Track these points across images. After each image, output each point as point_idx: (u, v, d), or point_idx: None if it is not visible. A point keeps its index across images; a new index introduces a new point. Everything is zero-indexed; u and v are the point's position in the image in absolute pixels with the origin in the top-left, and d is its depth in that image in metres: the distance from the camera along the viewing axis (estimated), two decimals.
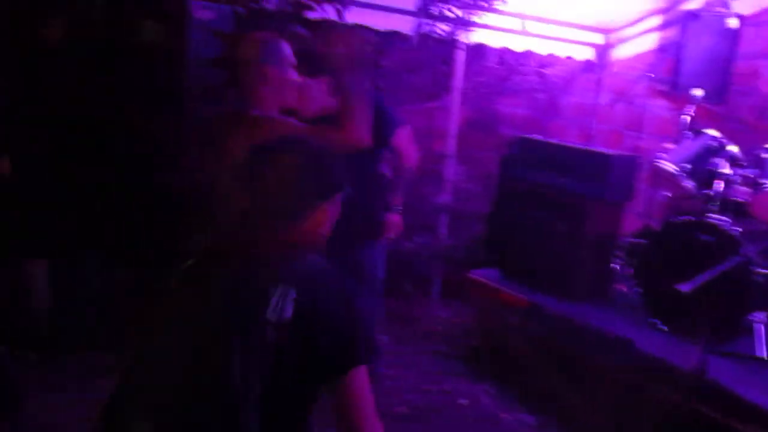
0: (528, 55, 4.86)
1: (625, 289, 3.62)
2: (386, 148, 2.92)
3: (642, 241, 3.66)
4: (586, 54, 5.12)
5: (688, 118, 3.60)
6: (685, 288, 2.42)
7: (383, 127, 2.75)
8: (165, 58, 2.58)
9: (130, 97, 2.70)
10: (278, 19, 3.05)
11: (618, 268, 3.79)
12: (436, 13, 3.92)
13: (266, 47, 2.17)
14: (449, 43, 4.18)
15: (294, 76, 2.26)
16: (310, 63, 2.66)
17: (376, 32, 3.82)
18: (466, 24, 4.04)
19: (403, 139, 2.95)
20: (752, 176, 3.09)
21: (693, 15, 4.23)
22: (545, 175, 3.52)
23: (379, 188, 2.96)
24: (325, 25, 3.39)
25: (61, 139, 2.75)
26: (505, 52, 4.73)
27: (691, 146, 3.30)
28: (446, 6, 3.92)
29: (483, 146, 5.23)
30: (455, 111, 4.48)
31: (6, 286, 2.93)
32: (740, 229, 2.97)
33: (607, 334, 3.14)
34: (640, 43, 5.03)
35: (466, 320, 4.30)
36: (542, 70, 5.03)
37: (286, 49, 2.24)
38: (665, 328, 3.15)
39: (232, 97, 2.69)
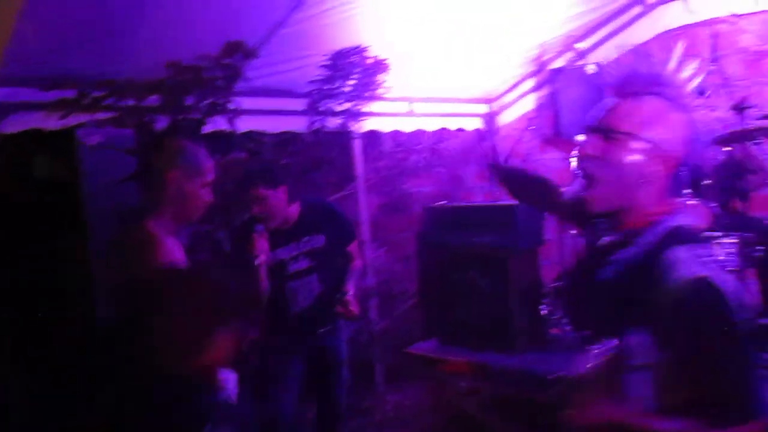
0: (420, 133, 5.11)
1: (558, 332, 3.70)
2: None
3: (562, 282, 3.80)
4: (475, 124, 5.44)
5: (576, 161, 3.85)
6: None
7: (347, 233, 3.33)
8: (61, 189, 2.57)
9: (33, 234, 2.64)
10: (171, 136, 3.11)
11: (547, 313, 3.89)
12: (325, 109, 4.09)
13: (183, 156, 2.09)
14: (344, 135, 4.35)
15: (207, 192, 2.17)
16: (268, 175, 2.89)
17: (271, 134, 3.94)
18: (355, 115, 4.23)
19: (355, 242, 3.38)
20: None
21: (558, 71, 4.61)
22: (459, 237, 3.63)
23: (338, 283, 3.24)
24: (218, 136, 3.47)
25: None
26: (397, 134, 4.96)
27: None
28: (333, 101, 4.09)
29: (398, 228, 5.35)
30: (362, 198, 4.60)
31: None
32: None
33: (557, 376, 3.18)
34: (521, 105, 5.41)
35: (416, 399, 4.24)
36: (437, 146, 5.28)
37: (205, 160, 2.15)
38: None
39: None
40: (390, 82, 4.19)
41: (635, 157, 1.32)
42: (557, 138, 4.45)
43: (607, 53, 4.84)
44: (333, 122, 4.17)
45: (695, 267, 1.20)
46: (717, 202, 3.42)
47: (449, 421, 3.83)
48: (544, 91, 5.13)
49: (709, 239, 1.32)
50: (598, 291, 1.40)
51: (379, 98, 4.27)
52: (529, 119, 4.81)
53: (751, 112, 3.23)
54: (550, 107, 4.72)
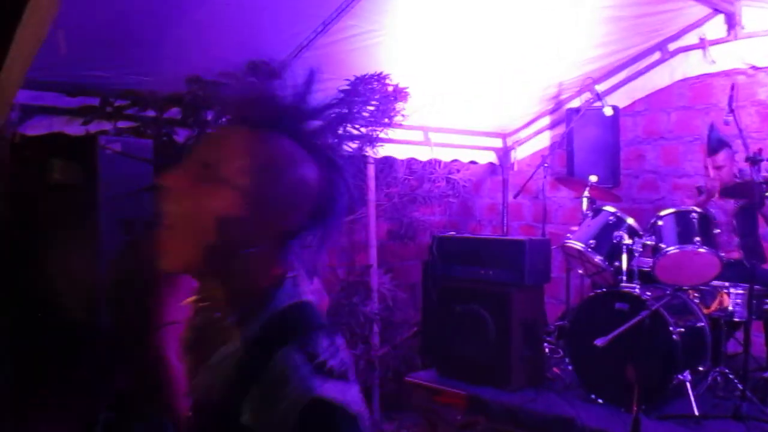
0: (434, 163, 5.14)
1: (558, 371, 3.68)
2: None
3: (566, 321, 3.79)
4: (489, 157, 5.47)
5: (586, 201, 3.87)
6: (599, 342, 2.51)
7: None
8: (76, 194, 2.60)
9: (44, 237, 2.67)
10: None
11: (549, 351, 3.87)
12: (342, 132, 4.12)
13: None
14: (358, 159, 4.38)
15: None
16: None
17: None
18: (372, 140, 4.26)
19: None
20: (651, 243, 3.31)
21: (575, 111, 4.65)
22: (466, 270, 3.64)
23: None
24: None
25: None
26: (412, 162, 4.99)
27: (593, 224, 3.52)
28: (351, 124, 4.13)
29: (404, 255, 5.36)
30: (372, 223, 4.62)
31: None
32: (650, 294, 3.13)
33: (548, 416, 3.16)
34: (535, 142, 5.44)
35: (411, 429, 4.21)
36: (450, 176, 5.31)
37: None
38: (601, 401, 3.20)
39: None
40: (408, 110, 4.23)
41: (222, 205, 0.92)
42: (569, 177, 4.46)
43: (624, 96, 4.89)
44: (349, 145, 4.21)
45: (311, 381, 0.87)
46: (726, 251, 3.42)
47: None
48: (560, 130, 5.18)
49: (330, 327, 0.95)
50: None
51: (397, 125, 4.31)
52: (542, 156, 4.84)
53: (765, 164, 3.24)
54: (564, 146, 4.76)
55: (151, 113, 3.18)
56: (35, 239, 2.69)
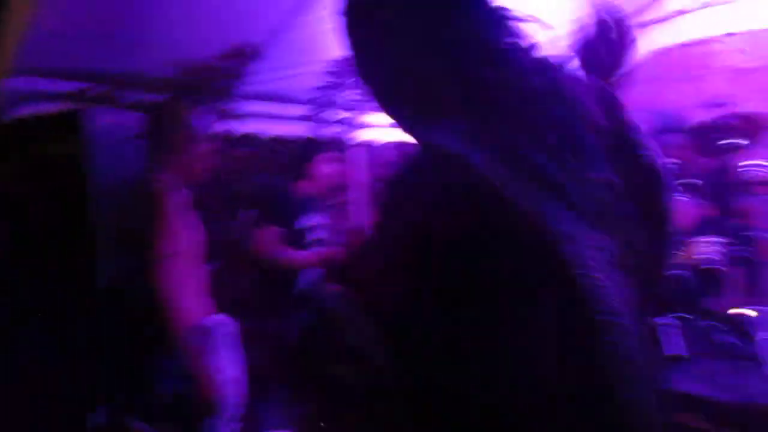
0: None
1: None
2: None
3: None
4: None
5: None
6: None
7: None
8: (69, 168, 2.70)
9: (36, 214, 2.76)
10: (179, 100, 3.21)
11: None
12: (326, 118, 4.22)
13: (190, 118, 2.28)
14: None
15: (212, 156, 2.33)
16: None
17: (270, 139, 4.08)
18: (356, 126, 4.36)
19: None
20: None
21: None
22: None
23: None
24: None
25: None
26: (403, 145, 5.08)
27: None
28: (333, 110, 4.22)
29: None
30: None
31: None
32: None
33: None
34: None
35: None
36: None
37: (210, 125, 2.36)
38: None
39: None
40: None
41: None
42: None
43: None
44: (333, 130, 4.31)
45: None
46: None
47: None
48: None
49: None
50: None
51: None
52: None
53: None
54: None
55: (139, 96, 3.27)
56: (35, 215, 2.78)
